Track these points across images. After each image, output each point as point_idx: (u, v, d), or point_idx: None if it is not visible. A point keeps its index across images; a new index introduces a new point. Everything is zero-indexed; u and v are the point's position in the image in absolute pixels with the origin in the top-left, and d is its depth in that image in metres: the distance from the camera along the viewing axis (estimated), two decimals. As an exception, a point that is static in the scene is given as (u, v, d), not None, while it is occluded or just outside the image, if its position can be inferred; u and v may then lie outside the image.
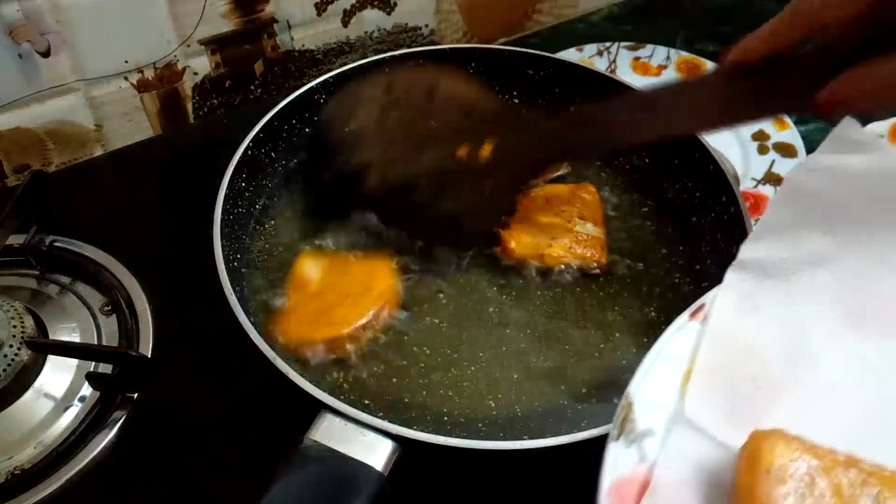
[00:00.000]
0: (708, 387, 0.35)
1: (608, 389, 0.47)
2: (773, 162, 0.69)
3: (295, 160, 0.61)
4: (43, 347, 0.53)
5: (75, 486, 0.47)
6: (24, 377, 0.52)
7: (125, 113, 0.72)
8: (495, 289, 0.53)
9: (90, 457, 0.49)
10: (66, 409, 0.52)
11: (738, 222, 0.50)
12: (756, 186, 0.67)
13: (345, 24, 0.78)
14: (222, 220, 0.49)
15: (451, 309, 0.52)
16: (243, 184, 0.55)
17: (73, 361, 0.54)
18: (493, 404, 0.47)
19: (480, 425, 0.46)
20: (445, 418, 0.46)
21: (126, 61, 0.69)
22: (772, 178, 0.68)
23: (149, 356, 0.54)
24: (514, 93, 0.66)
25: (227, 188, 0.51)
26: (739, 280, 0.39)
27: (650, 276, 0.54)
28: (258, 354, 0.42)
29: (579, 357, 0.49)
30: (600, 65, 0.82)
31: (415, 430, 0.39)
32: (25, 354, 0.51)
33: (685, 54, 0.83)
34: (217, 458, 0.50)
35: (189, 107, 0.76)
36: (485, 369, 0.49)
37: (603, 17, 0.92)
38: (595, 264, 0.54)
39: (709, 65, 0.81)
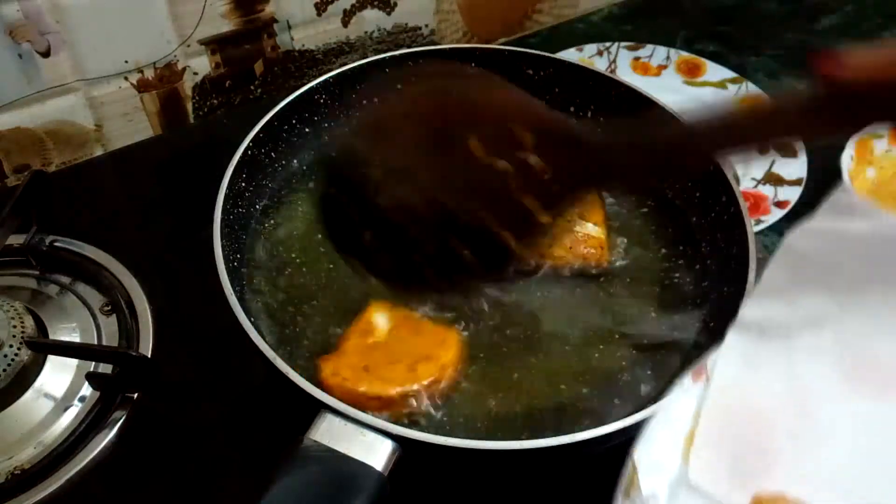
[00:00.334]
0: (711, 450, 0.36)
1: (608, 389, 0.47)
2: (774, 162, 0.69)
3: (295, 160, 0.61)
4: (43, 347, 0.53)
5: (75, 486, 0.47)
6: (24, 377, 0.52)
7: (125, 113, 0.72)
8: (495, 289, 0.53)
9: (90, 457, 0.49)
10: (66, 409, 0.52)
11: (738, 222, 0.50)
12: (756, 186, 0.67)
13: (345, 24, 0.78)
14: (222, 220, 0.49)
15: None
16: (243, 184, 0.55)
17: (73, 361, 0.54)
18: (493, 403, 0.47)
19: (479, 425, 0.46)
20: (445, 418, 0.46)
21: (126, 61, 0.69)
22: (772, 178, 0.68)
23: (149, 356, 0.54)
24: (514, 93, 0.66)
25: (227, 188, 0.51)
26: (740, 341, 0.39)
27: (650, 276, 0.54)
28: (258, 354, 0.42)
29: (579, 357, 0.49)
30: (600, 65, 0.82)
31: (415, 430, 0.39)
32: (25, 354, 0.51)
33: (685, 54, 0.83)
34: (217, 458, 0.50)
35: (189, 107, 0.76)
36: (484, 369, 0.48)
37: (603, 17, 0.92)
38: (595, 264, 0.54)
39: (709, 64, 0.81)
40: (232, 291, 0.44)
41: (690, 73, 0.81)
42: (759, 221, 0.63)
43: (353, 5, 0.77)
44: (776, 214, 0.64)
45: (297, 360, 0.48)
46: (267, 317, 0.51)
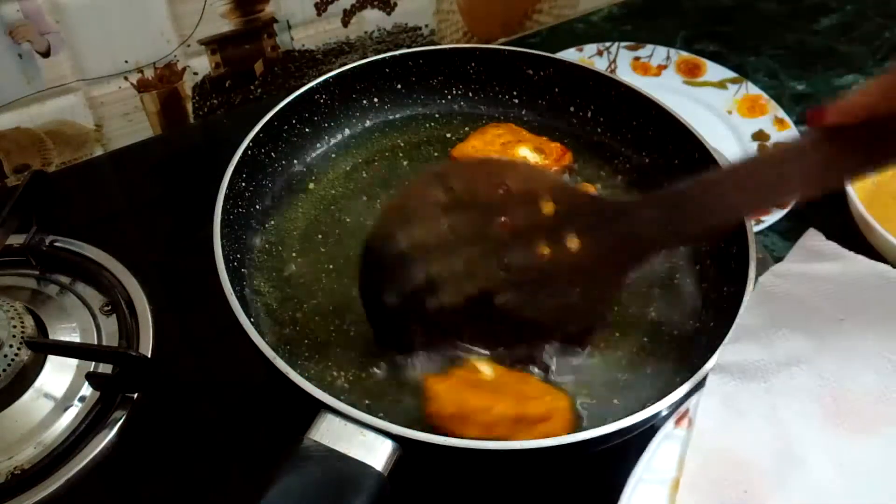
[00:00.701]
0: (696, 496, 0.37)
1: (608, 390, 0.47)
2: (773, 162, 0.69)
3: (295, 160, 0.61)
4: (43, 347, 0.53)
5: (75, 486, 0.47)
6: (24, 377, 0.52)
7: (125, 113, 0.72)
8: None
9: (90, 457, 0.49)
10: (66, 409, 0.52)
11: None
12: (756, 186, 0.67)
13: (345, 24, 0.78)
14: (222, 220, 0.49)
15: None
16: (243, 184, 0.55)
17: (73, 361, 0.54)
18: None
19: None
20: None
21: (126, 61, 0.69)
22: (772, 178, 0.68)
23: (149, 356, 0.54)
24: (514, 93, 0.66)
25: (227, 188, 0.51)
26: (720, 384, 0.40)
27: (650, 276, 0.54)
28: (258, 354, 0.42)
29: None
30: (600, 65, 0.82)
31: (415, 430, 0.39)
32: (25, 354, 0.51)
33: (685, 54, 0.83)
34: (217, 458, 0.50)
35: (189, 107, 0.76)
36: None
37: (603, 17, 0.92)
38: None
39: (709, 64, 0.81)
40: (232, 291, 0.44)
41: (690, 73, 0.81)
42: (759, 221, 0.63)
43: (353, 5, 0.77)
44: (776, 214, 0.64)
45: (297, 360, 0.48)
46: (267, 317, 0.51)
